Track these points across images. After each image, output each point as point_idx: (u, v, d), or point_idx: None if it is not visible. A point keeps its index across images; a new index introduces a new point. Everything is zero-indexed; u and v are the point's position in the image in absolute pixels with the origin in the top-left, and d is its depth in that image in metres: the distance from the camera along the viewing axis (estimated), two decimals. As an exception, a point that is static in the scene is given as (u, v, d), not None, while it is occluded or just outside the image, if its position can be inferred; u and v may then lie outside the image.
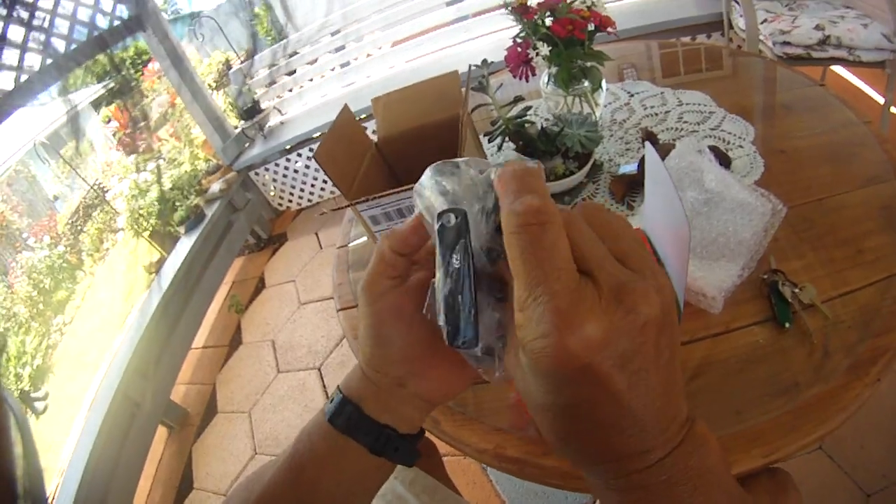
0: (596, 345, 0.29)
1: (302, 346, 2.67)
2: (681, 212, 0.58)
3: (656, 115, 1.37)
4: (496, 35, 3.48)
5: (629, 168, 1.14)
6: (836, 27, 2.28)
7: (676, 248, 0.62)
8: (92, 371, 3.74)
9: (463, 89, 1.12)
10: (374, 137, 1.23)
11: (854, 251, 0.90)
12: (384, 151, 1.22)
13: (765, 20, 2.50)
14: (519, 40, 1.18)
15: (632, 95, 1.47)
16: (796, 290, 0.83)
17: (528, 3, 1.18)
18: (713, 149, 1.09)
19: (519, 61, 1.15)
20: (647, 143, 0.68)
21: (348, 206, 1.00)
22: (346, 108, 1.16)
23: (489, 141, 1.17)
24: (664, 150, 1.06)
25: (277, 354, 2.71)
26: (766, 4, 2.65)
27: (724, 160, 1.10)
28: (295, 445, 0.49)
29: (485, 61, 1.13)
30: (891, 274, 0.85)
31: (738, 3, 2.58)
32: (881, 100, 2.35)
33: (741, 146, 1.19)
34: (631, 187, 1.10)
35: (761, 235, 0.92)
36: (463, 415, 0.86)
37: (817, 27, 2.31)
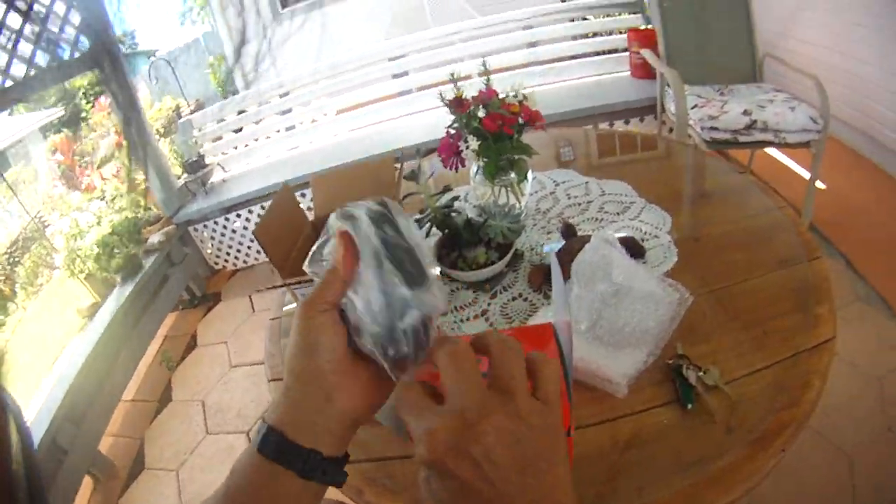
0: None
1: (232, 408, 2.62)
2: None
3: (579, 204, 1.44)
4: (438, 111, 3.56)
5: (551, 247, 1.21)
6: (763, 111, 2.40)
7: (566, 337, 0.68)
8: (16, 412, 3.56)
9: (396, 175, 1.17)
10: (311, 214, 1.28)
11: (761, 332, 0.96)
12: (319, 229, 1.26)
13: (695, 105, 2.61)
14: (452, 132, 1.25)
15: (557, 184, 1.55)
16: (700, 374, 0.88)
17: (464, 97, 1.26)
18: (627, 240, 1.15)
19: (451, 153, 1.21)
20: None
21: (283, 285, 1.04)
22: (285, 188, 1.20)
23: (419, 227, 1.22)
24: (581, 243, 1.11)
25: (207, 415, 2.65)
26: (699, 90, 2.80)
27: (638, 251, 1.17)
28: (227, 481, 0.49)
29: (418, 150, 1.19)
30: (797, 352, 0.91)
31: (671, 89, 2.71)
32: (807, 175, 2.49)
33: (657, 236, 1.26)
34: (548, 277, 1.16)
35: (667, 324, 0.97)
36: (386, 486, 0.87)
37: (745, 112, 2.42)
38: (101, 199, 3.87)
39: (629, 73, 3.57)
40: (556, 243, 1.26)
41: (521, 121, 1.23)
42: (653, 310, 0.97)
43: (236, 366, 2.89)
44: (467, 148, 1.17)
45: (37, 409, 2.48)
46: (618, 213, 1.38)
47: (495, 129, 1.19)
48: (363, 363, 0.50)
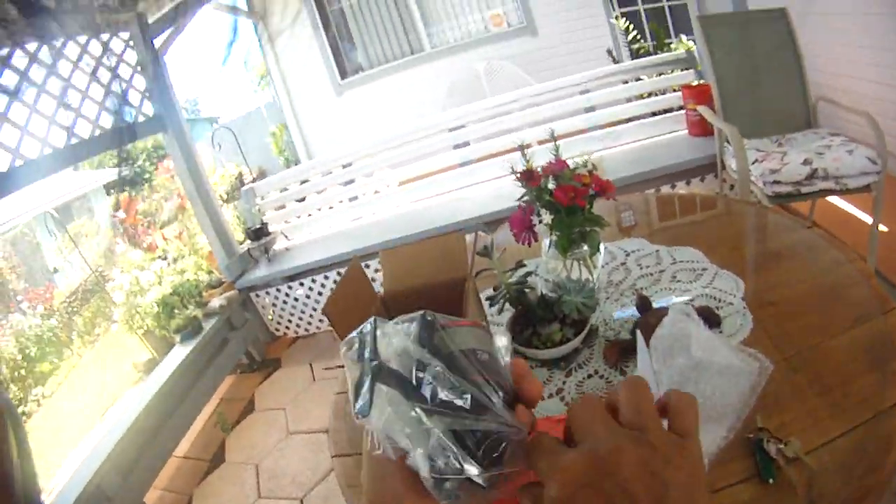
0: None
1: (287, 474, 2.60)
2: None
3: (651, 274, 1.41)
4: (499, 181, 3.61)
5: (620, 314, 1.18)
6: (822, 158, 2.35)
7: None
8: (63, 454, 3.63)
9: (469, 253, 1.16)
10: (380, 287, 1.27)
11: (840, 396, 0.92)
12: (389, 305, 1.25)
13: (756, 160, 2.56)
14: (523, 205, 1.24)
15: (628, 255, 1.52)
16: (781, 446, 0.84)
17: (534, 168, 1.25)
18: (703, 310, 1.11)
19: (523, 227, 1.20)
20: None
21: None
22: (355, 261, 1.20)
23: (491, 305, 1.20)
24: (656, 316, 1.09)
25: (260, 479, 2.64)
26: (757, 143, 2.75)
27: (714, 320, 1.12)
28: None
29: (489, 226, 1.19)
30: (875, 414, 0.86)
31: (730, 145, 2.67)
32: (869, 220, 2.42)
33: (731, 303, 1.21)
34: (623, 354, 1.12)
35: (747, 395, 0.94)
36: None
37: (805, 161, 2.37)
38: (164, 259, 4.00)
39: (686, 131, 3.54)
40: (627, 310, 1.24)
41: (592, 191, 1.21)
42: (733, 383, 0.95)
43: (294, 432, 2.88)
44: (540, 222, 1.16)
45: (85, 456, 2.53)
46: (691, 282, 1.34)
47: (567, 202, 1.17)
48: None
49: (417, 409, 0.38)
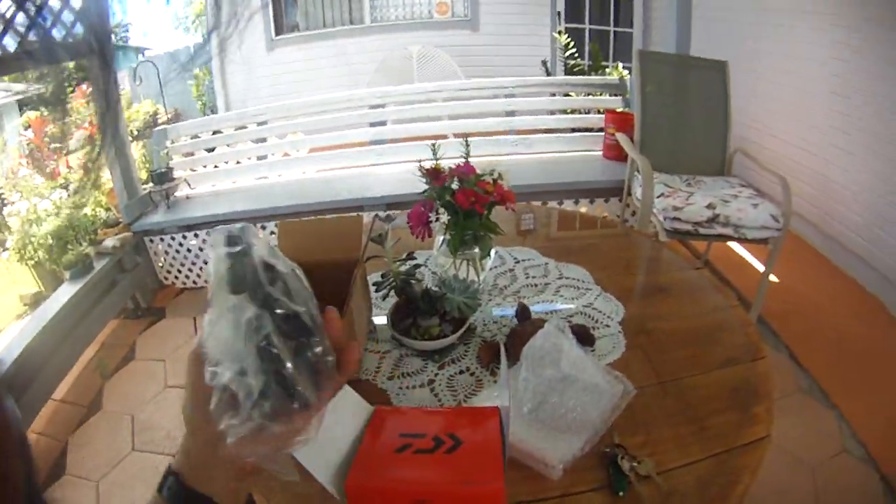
0: None
1: (162, 428, 2.54)
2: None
3: (536, 285, 1.48)
4: (407, 166, 3.61)
5: (500, 312, 1.26)
6: (727, 206, 2.47)
7: (507, 421, 0.72)
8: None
9: (364, 237, 1.19)
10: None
11: (699, 428, 1.00)
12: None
13: (661, 194, 2.67)
14: (424, 201, 1.28)
15: (517, 262, 1.59)
16: (634, 464, 0.91)
17: (441, 168, 1.29)
18: (578, 328, 1.18)
19: (419, 222, 1.24)
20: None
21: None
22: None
23: (377, 290, 1.24)
24: (533, 327, 1.15)
25: (135, 431, 2.57)
26: (667, 178, 2.88)
27: (588, 340, 1.20)
28: None
29: (388, 216, 1.22)
30: (729, 448, 0.95)
31: (640, 174, 2.77)
32: (762, 268, 2.58)
33: (608, 325, 1.29)
34: (496, 356, 1.17)
35: (608, 414, 1.00)
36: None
37: (709, 206, 2.48)
38: (65, 189, 3.80)
39: (601, 153, 3.67)
40: (506, 310, 1.32)
41: (493, 199, 1.26)
42: (596, 400, 1.01)
43: (172, 386, 2.82)
44: (437, 220, 1.20)
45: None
46: (573, 299, 1.41)
47: (467, 206, 1.21)
48: None
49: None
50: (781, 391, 2.36)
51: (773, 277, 2.62)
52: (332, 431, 0.73)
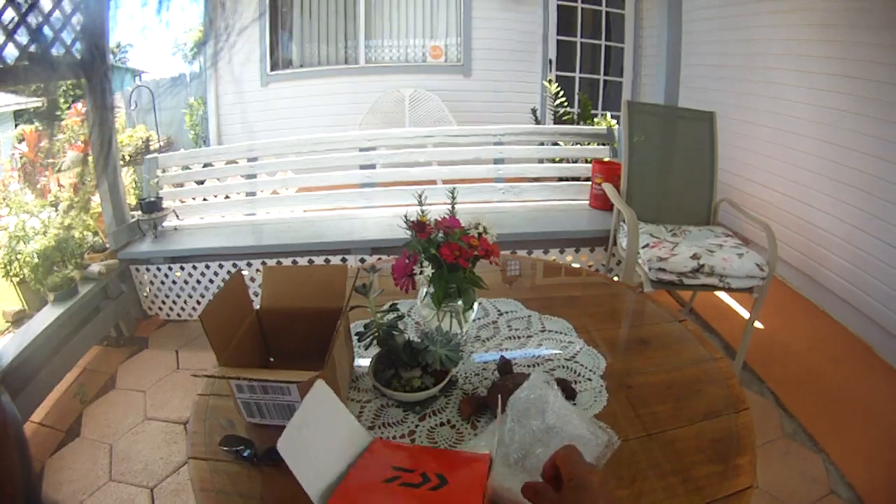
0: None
1: (139, 460, 2.51)
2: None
3: (518, 338, 1.49)
4: (395, 210, 3.67)
5: (483, 365, 1.27)
6: (712, 256, 2.50)
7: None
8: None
9: (348, 287, 1.21)
10: (257, 301, 1.30)
11: (681, 480, 1.01)
12: (263, 321, 1.28)
13: (647, 245, 2.70)
14: (409, 253, 1.30)
15: (501, 314, 1.61)
16: None
17: (427, 221, 1.31)
18: (561, 381, 1.20)
19: (403, 274, 1.26)
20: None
21: (222, 378, 1.05)
22: (238, 275, 1.23)
23: (359, 341, 1.25)
24: (514, 381, 1.17)
25: (113, 460, 2.54)
26: (652, 228, 2.91)
27: (570, 394, 1.22)
28: None
29: (373, 267, 1.24)
30: (714, 499, 0.96)
31: (625, 224, 2.80)
32: (747, 315, 2.62)
33: (591, 379, 1.31)
34: (477, 409, 1.18)
35: (592, 464, 1.03)
36: None
37: (693, 256, 2.51)
38: (54, 208, 3.79)
39: (588, 202, 3.72)
40: (489, 356, 1.34)
41: (477, 254, 1.28)
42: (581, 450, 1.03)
43: (151, 418, 2.79)
44: (421, 273, 1.22)
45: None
46: (556, 352, 1.42)
47: (451, 260, 1.23)
48: None
49: None
50: (767, 436, 2.40)
51: (758, 324, 2.65)
52: (328, 448, 0.75)
